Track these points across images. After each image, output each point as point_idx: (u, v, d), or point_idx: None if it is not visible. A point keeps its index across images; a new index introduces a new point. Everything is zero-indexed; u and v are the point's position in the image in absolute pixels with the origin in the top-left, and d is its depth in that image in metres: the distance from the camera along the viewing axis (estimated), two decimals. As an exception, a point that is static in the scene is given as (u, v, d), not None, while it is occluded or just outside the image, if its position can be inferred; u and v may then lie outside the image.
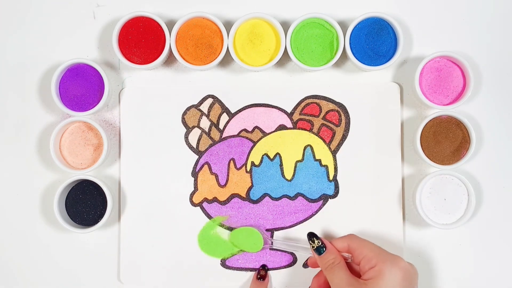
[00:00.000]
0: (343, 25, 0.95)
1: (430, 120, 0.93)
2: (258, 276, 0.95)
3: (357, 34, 0.93)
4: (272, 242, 0.94)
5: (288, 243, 0.94)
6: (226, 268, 0.96)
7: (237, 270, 0.96)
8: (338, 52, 0.92)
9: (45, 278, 0.97)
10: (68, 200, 0.95)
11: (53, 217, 0.94)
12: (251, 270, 0.96)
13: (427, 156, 0.92)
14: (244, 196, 0.96)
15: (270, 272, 0.96)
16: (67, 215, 0.95)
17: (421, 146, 0.92)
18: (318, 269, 0.92)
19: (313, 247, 0.87)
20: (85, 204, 0.95)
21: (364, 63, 0.93)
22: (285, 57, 0.96)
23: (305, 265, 0.95)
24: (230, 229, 0.96)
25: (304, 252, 0.93)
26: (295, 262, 0.96)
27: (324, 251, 0.87)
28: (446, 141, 0.93)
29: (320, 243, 0.87)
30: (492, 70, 0.97)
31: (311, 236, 0.88)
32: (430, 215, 0.93)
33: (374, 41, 0.93)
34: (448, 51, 0.93)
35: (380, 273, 0.81)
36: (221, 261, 0.96)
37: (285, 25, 0.95)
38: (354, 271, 0.87)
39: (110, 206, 0.93)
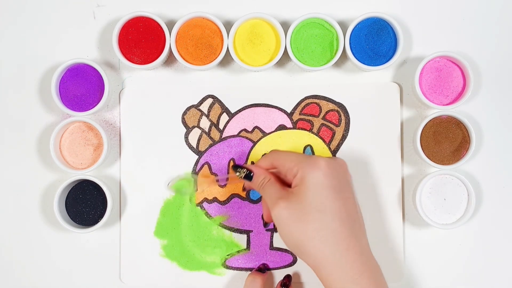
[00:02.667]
0: (343, 25, 0.95)
1: (430, 120, 0.93)
2: (258, 268, 0.95)
3: (357, 34, 0.93)
4: (218, 179, 0.95)
5: (232, 176, 0.92)
6: (227, 268, 0.96)
7: (237, 270, 0.96)
8: (338, 52, 0.92)
9: (45, 278, 0.97)
10: (68, 200, 0.95)
11: (53, 217, 0.94)
12: (251, 270, 0.96)
13: (427, 156, 0.92)
14: (244, 196, 0.96)
15: (270, 272, 0.96)
16: (67, 215, 0.95)
17: (421, 146, 0.92)
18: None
19: (241, 177, 0.87)
20: (85, 204, 0.95)
21: (364, 63, 0.93)
22: (285, 57, 0.96)
23: (243, 189, 0.96)
24: (230, 229, 0.96)
25: (234, 181, 0.95)
26: (295, 262, 0.96)
27: (252, 177, 0.86)
28: (446, 141, 0.93)
29: (246, 171, 0.86)
30: (492, 70, 0.97)
31: (236, 167, 0.87)
32: (430, 215, 0.93)
33: (374, 41, 0.93)
34: (448, 51, 0.93)
35: (302, 179, 0.80)
36: (221, 262, 0.96)
37: (285, 25, 0.95)
38: (286, 184, 0.85)
39: (110, 206, 0.93)
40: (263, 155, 0.92)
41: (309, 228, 0.78)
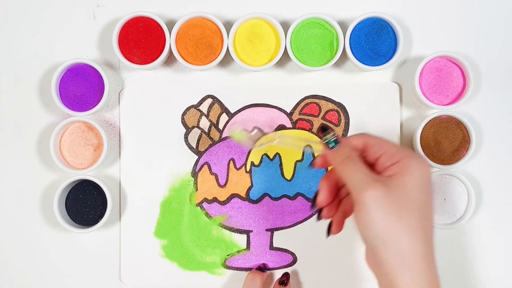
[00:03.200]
0: (343, 25, 0.95)
1: (430, 120, 0.93)
2: (257, 268, 0.95)
3: (357, 34, 0.93)
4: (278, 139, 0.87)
5: (296, 139, 0.87)
6: (227, 268, 0.96)
7: (237, 270, 0.96)
8: (338, 52, 0.92)
9: (45, 278, 0.97)
10: (68, 200, 0.95)
11: (53, 217, 0.94)
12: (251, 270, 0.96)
13: (427, 156, 0.92)
14: (244, 196, 0.96)
15: (270, 272, 0.96)
16: (67, 215, 0.95)
17: (421, 146, 0.92)
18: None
19: (325, 139, 0.78)
20: (85, 204, 0.95)
21: (364, 63, 0.93)
22: (285, 57, 0.96)
23: (311, 165, 0.84)
24: (230, 229, 0.96)
25: (313, 148, 0.86)
26: (295, 262, 0.96)
27: (337, 144, 0.77)
28: (446, 141, 0.93)
29: (333, 137, 0.77)
30: (492, 70, 0.97)
31: (324, 128, 0.79)
32: (430, 215, 0.93)
33: (374, 41, 0.93)
34: (448, 51, 0.93)
35: (406, 168, 0.73)
36: (221, 262, 0.96)
37: (285, 25, 0.95)
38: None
39: (110, 206, 0.93)
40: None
41: (405, 222, 0.71)
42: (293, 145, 0.89)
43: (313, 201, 0.82)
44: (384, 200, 0.71)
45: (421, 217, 0.71)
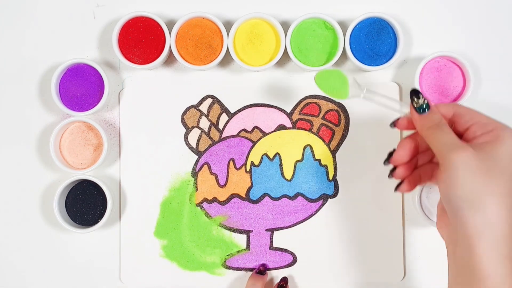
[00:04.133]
0: (343, 25, 0.95)
1: (430, 120, 0.93)
2: (258, 271, 0.95)
3: (357, 34, 0.93)
4: (365, 90, 0.83)
5: (383, 96, 0.83)
6: (227, 268, 0.96)
7: (237, 270, 0.96)
8: (338, 52, 0.92)
9: (45, 278, 0.97)
10: (68, 200, 0.95)
11: (53, 217, 0.94)
12: (251, 270, 0.96)
13: (427, 156, 0.92)
14: (244, 196, 0.96)
15: (272, 272, 0.96)
16: (67, 215, 0.95)
17: (421, 146, 0.92)
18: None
19: (417, 104, 0.76)
20: (85, 204, 0.95)
21: (364, 63, 0.93)
22: (285, 57, 0.96)
23: (392, 124, 0.82)
24: (230, 229, 0.96)
25: (399, 110, 0.81)
26: (295, 262, 0.96)
27: (427, 110, 0.75)
28: (446, 141, 0.92)
29: (425, 102, 0.76)
30: (492, 70, 0.97)
31: (415, 92, 0.76)
32: (430, 215, 0.93)
33: (374, 41, 0.93)
34: (448, 51, 0.93)
35: (499, 137, 0.71)
36: (221, 262, 0.96)
37: (285, 25, 0.95)
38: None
39: (110, 206, 0.93)
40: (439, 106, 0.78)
41: (494, 188, 0.69)
42: (380, 103, 0.83)
43: (388, 157, 0.80)
44: (474, 163, 0.69)
45: (510, 186, 0.69)
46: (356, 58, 0.93)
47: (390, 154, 0.80)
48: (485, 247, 0.68)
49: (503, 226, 0.68)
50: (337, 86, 0.84)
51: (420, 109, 0.76)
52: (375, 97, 0.82)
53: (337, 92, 0.84)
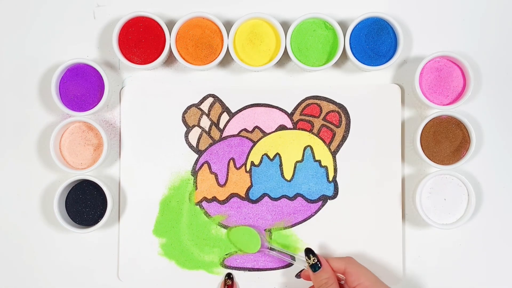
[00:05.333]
0: (343, 25, 0.95)
1: (430, 120, 0.93)
2: (225, 286, 0.95)
3: (357, 34, 0.93)
4: (270, 248, 0.95)
5: (285, 251, 0.95)
6: (225, 268, 0.96)
7: (236, 269, 0.96)
8: (338, 52, 0.92)
9: (45, 277, 0.97)
10: (68, 200, 0.95)
11: (53, 217, 0.94)
12: (249, 270, 0.96)
13: (427, 156, 0.92)
14: (244, 195, 0.96)
15: (270, 273, 0.96)
16: (67, 215, 0.95)
17: (421, 146, 0.92)
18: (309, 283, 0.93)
19: (309, 263, 0.89)
20: (85, 204, 0.95)
21: (364, 63, 0.93)
22: (285, 57, 0.96)
23: (298, 275, 0.94)
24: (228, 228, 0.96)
25: (299, 263, 0.94)
26: (292, 264, 0.96)
27: (319, 269, 0.88)
28: (446, 141, 0.93)
29: (316, 261, 0.88)
30: (492, 70, 0.97)
31: (308, 252, 0.89)
32: (430, 215, 0.93)
33: (374, 41, 0.93)
34: (448, 51, 0.93)
35: None
36: (220, 261, 0.96)
37: (285, 25, 0.95)
38: None
39: (110, 206, 0.93)
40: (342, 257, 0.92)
41: None
42: (280, 257, 0.95)
43: (298, 274, 0.94)
44: None
45: None
46: (356, 58, 0.93)
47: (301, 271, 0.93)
48: None
49: None
50: (247, 241, 0.95)
51: (313, 267, 0.88)
52: (279, 252, 0.94)
53: (247, 246, 0.95)
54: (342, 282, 0.88)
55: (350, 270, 0.87)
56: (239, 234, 0.95)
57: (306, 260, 0.89)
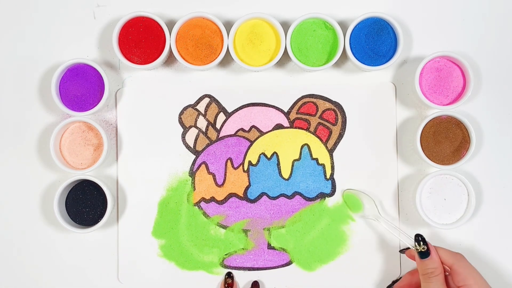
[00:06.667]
0: (343, 25, 0.95)
1: (430, 120, 0.92)
2: (226, 285, 0.95)
3: (357, 34, 0.93)
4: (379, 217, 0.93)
5: (395, 227, 0.93)
6: (225, 268, 0.96)
7: (235, 269, 0.96)
8: (338, 52, 0.92)
9: (45, 277, 0.97)
10: (68, 200, 0.95)
11: (53, 217, 0.95)
12: (249, 269, 0.96)
13: (427, 156, 0.92)
14: (242, 195, 0.96)
15: (269, 272, 0.96)
16: (67, 215, 0.95)
17: (421, 146, 0.92)
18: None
19: (417, 249, 0.86)
20: (85, 204, 0.95)
21: (364, 63, 0.92)
22: (285, 57, 0.96)
23: (402, 251, 0.93)
24: (227, 228, 0.96)
25: (407, 242, 0.90)
26: (292, 262, 0.96)
27: (426, 257, 0.85)
28: (446, 141, 0.92)
29: (426, 249, 0.85)
30: (492, 70, 0.97)
31: (418, 238, 0.86)
32: (430, 215, 0.93)
33: (374, 41, 0.93)
34: (448, 51, 0.93)
35: None
36: (219, 261, 0.96)
37: (285, 25, 0.95)
38: (449, 285, 0.86)
39: (110, 206, 0.93)
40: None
41: None
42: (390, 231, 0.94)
43: (391, 284, 0.93)
44: None
45: None
46: (356, 58, 0.92)
47: (394, 282, 0.93)
48: None
49: None
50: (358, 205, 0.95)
51: (421, 254, 0.85)
52: (388, 225, 0.93)
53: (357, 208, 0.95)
54: (447, 273, 0.86)
55: (458, 269, 0.84)
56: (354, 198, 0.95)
57: (415, 246, 0.86)
